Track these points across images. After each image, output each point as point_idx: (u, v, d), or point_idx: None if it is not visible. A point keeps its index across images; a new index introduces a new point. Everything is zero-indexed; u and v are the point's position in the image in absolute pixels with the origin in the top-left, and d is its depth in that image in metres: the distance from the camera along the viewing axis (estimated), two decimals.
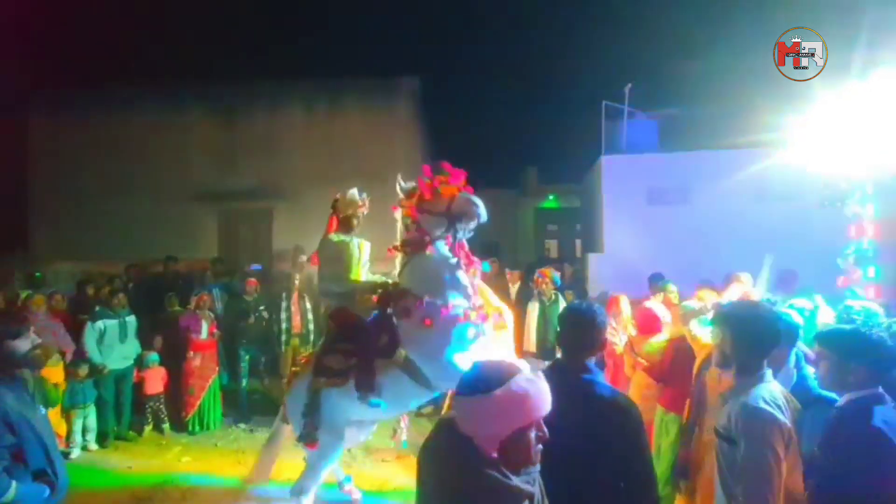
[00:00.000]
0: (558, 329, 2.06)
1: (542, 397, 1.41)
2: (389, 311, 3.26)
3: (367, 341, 3.25)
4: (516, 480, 1.35)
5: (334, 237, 3.62)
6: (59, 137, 10.37)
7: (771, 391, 1.96)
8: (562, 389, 1.68)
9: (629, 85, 9.84)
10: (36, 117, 10.62)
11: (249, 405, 6.63)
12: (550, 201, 19.84)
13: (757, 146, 7.78)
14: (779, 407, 1.90)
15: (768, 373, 2.03)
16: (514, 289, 6.64)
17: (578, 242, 16.75)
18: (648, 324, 4.04)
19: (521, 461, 1.39)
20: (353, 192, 3.71)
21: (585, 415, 1.78)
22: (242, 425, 6.25)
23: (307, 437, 3.39)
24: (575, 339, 1.98)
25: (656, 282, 5.67)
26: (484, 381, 1.38)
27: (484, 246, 8.13)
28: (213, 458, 5.31)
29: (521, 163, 17.36)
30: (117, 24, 11.35)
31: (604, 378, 2.01)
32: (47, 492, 1.76)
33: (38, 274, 7.75)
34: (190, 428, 5.97)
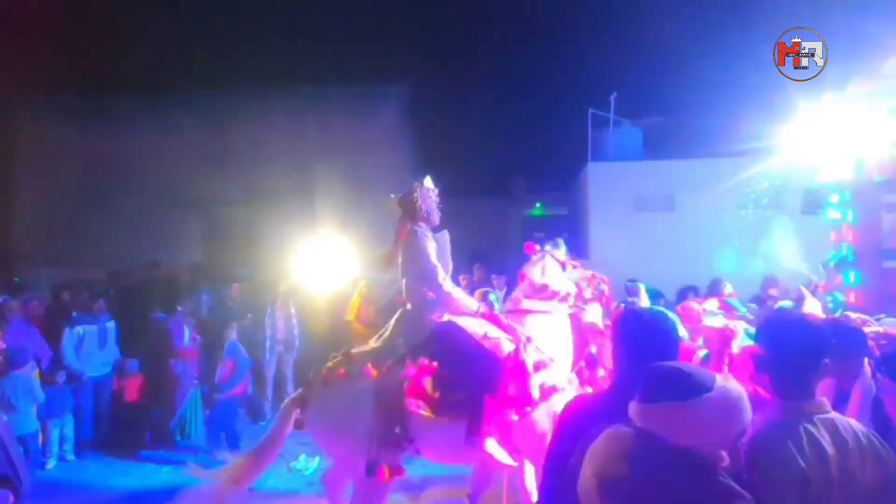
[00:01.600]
0: (619, 341, 1.64)
1: (747, 401, 1.26)
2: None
3: (485, 382, 2.75)
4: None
5: (427, 231, 3.10)
6: (43, 142, 10.24)
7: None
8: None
9: (614, 94, 9.98)
10: (20, 122, 10.48)
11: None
12: (537, 209, 19.95)
13: (740, 155, 7.92)
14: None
15: (814, 403, 1.50)
16: (500, 294, 6.67)
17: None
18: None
19: (733, 472, 1.22)
20: (429, 179, 3.27)
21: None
22: (225, 434, 6.14)
23: (380, 467, 2.71)
24: (645, 355, 1.54)
25: (631, 288, 5.73)
26: (692, 384, 1.19)
27: (471, 253, 8.14)
28: (195, 468, 5.19)
29: (508, 171, 17.45)
30: (101, 28, 11.24)
31: None
32: (10, 498, 1.71)
33: (17, 279, 7.60)
34: (170, 437, 5.84)
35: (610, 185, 9.21)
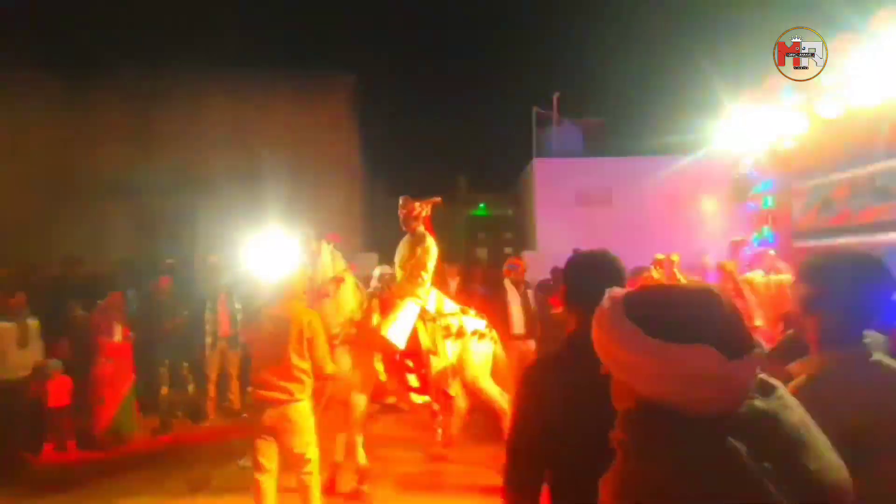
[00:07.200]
0: (575, 287, 1.54)
1: None
2: None
3: None
4: None
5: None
6: None
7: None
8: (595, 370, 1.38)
9: (557, 93, 10.45)
10: None
11: (170, 415, 6.14)
12: (481, 209, 20.35)
13: (668, 152, 8.55)
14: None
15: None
16: (453, 284, 6.93)
17: (509, 250, 17.35)
18: None
19: None
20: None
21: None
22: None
23: None
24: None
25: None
26: None
27: None
28: (131, 476, 4.78)
29: (452, 170, 17.72)
30: None
31: None
32: None
33: None
34: (101, 444, 5.36)
35: (554, 180, 9.62)
